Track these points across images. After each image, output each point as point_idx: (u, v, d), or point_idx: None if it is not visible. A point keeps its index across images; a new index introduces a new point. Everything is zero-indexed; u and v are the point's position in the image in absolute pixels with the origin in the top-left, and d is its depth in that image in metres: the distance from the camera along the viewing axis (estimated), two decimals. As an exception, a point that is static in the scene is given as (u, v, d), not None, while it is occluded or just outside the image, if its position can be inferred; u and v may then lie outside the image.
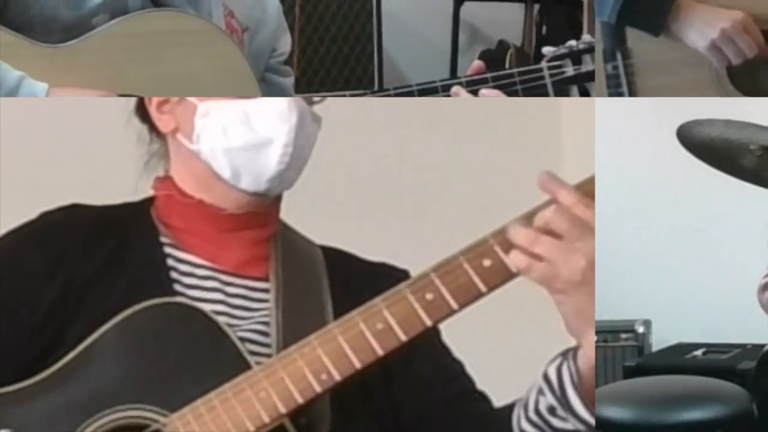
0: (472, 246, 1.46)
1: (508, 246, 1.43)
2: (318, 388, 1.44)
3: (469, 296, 1.44)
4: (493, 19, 4.87)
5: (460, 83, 2.11)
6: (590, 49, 2.12)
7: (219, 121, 1.58)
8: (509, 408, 1.56)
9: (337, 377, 1.44)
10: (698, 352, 3.40)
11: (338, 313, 1.53)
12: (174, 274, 1.59)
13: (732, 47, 2.17)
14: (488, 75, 2.16)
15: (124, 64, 1.93)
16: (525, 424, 1.52)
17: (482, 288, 1.45)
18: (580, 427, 1.47)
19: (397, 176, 2.83)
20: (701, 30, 2.18)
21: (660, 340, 3.65)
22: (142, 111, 1.65)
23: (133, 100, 1.67)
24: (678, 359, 3.38)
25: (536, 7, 4.75)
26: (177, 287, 1.58)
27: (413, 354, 1.52)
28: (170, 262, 1.60)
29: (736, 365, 3.14)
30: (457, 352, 1.68)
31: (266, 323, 1.58)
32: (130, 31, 1.94)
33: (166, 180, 1.65)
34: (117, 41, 1.93)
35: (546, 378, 1.48)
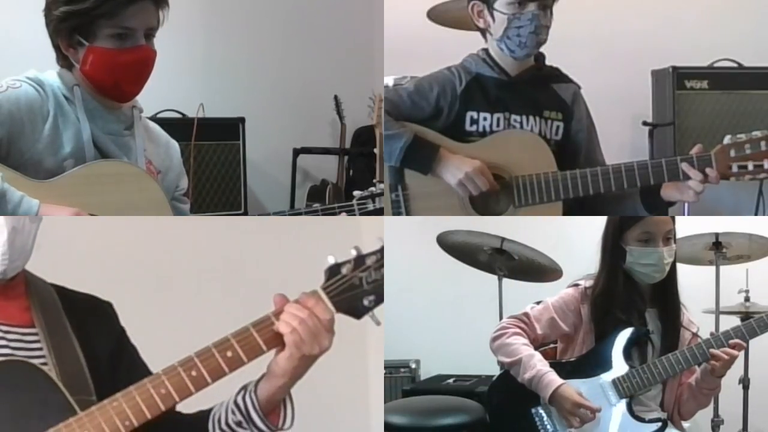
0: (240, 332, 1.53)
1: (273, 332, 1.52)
2: (123, 431, 1.44)
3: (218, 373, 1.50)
4: (318, 165, 4.86)
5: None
6: (381, 194, 2.17)
7: None
8: (200, 415, 1.60)
9: (135, 423, 1.45)
10: (450, 380, 3.39)
11: (80, 342, 1.54)
12: None
13: (471, 184, 2.17)
14: (318, 208, 2.16)
15: (85, 194, 1.92)
16: None
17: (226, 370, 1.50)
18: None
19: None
20: (453, 172, 2.18)
21: (425, 372, 3.64)
22: None
23: None
24: (437, 385, 3.36)
25: (346, 157, 4.78)
26: None
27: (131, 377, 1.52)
28: None
29: (475, 389, 3.14)
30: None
31: (44, 362, 1.51)
32: (89, 173, 1.96)
33: None
34: (80, 180, 1.94)
35: (236, 404, 1.56)
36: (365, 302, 1.55)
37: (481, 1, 2.26)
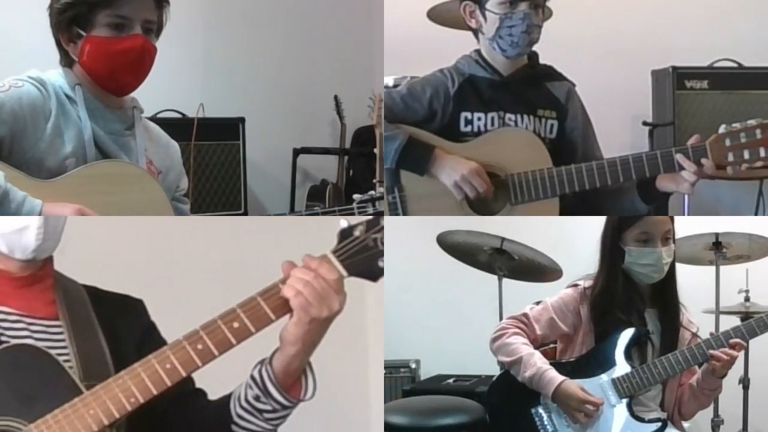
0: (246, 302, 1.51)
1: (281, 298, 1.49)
2: (128, 407, 1.45)
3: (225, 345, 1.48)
4: (318, 165, 4.87)
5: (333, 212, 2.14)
6: (381, 197, 2.17)
7: None
8: (225, 399, 1.59)
9: (141, 400, 1.46)
10: (450, 380, 3.38)
11: (106, 337, 1.57)
12: None
13: (467, 186, 2.17)
14: (319, 210, 2.17)
15: (87, 195, 1.92)
16: (239, 410, 1.56)
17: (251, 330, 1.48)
18: (276, 406, 1.54)
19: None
20: (448, 173, 2.19)
21: (425, 372, 3.63)
22: None
23: None
24: (437, 385, 3.36)
25: (346, 158, 4.78)
26: None
27: None
28: None
29: (475, 389, 3.13)
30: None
31: (66, 352, 1.54)
32: (91, 173, 1.96)
33: None
34: (82, 180, 1.94)
35: (252, 378, 1.54)
36: (380, 264, 1.51)
37: (472, 2, 2.27)
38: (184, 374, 1.47)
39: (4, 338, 1.53)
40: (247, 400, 1.55)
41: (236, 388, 1.58)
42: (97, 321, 1.60)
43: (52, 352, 1.51)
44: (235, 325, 1.48)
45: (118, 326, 1.61)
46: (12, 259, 1.58)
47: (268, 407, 1.54)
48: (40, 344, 1.52)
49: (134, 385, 1.45)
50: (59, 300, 1.60)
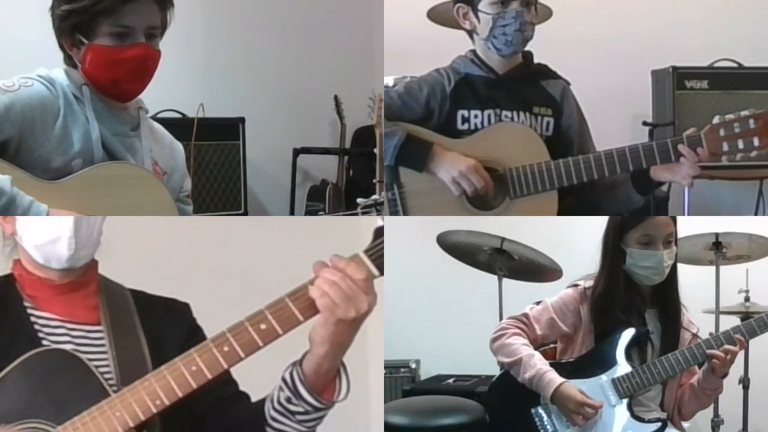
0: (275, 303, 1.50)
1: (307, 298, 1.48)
2: (154, 409, 1.46)
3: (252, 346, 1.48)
4: (318, 165, 4.86)
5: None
6: (383, 202, 2.18)
7: (26, 230, 1.61)
8: (261, 401, 1.59)
9: (167, 402, 1.46)
10: (450, 381, 3.39)
11: (149, 342, 1.58)
12: (36, 327, 1.57)
13: (466, 182, 2.19)
14: (322, 214, 2.16)
15: (93, 196, 1.92)
16: (272, 412, 1.56)
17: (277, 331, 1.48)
18: (308, 407, 1.53)
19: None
20: (447, 169, 2.20)
21: (425, 372, 3.64)
22: None
23: None
24: (437, 385, 3.36)
25: (346, 158, 4.78)
26: (40, 335, 1.55)
27: None
28: (33, 318, 1.58)
29: (475, 389, 3.14)
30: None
31: (105, 357, 1.55)
32: (97, 175, 1.95)
33: (18, 263, 1.64)
34: (88, 181, 1.93)
35: (284, 380, 1.54)
36: None
37: (465, 3, 2.30)
38: (209, 376, 1.47)
39: (45, 343, 1.55)
40: (279, 402, 1.55)
41: (272, 391, 1.58)
42: (140, 325, 1.61)
43: (91, 356, 1.52)
44: (262, 326, 1.47)
45: (162, 330, 1.61)
46: (50, 268, 1.61)
47: (300, 409, 1.54)
48: (80, 349, 1.54)
49: (160, 387, 1.46)
50: (102, 305, 1.61)
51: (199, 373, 1.47)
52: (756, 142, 2.07)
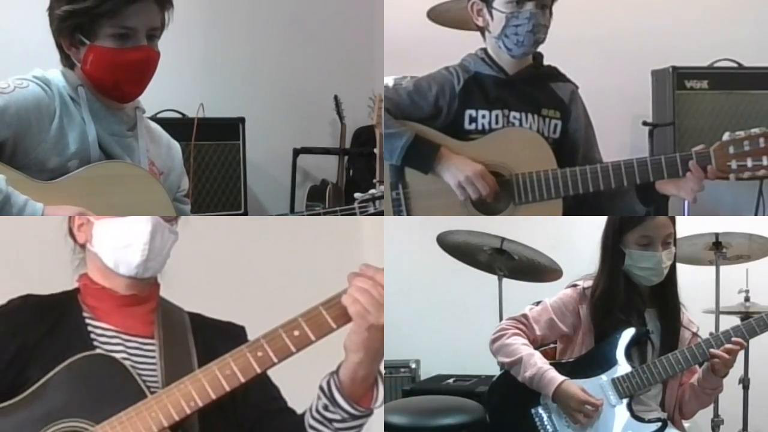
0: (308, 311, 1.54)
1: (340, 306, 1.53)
2: (188, 411, 1.50)
3: (284, 352, 1.53)
4: (318, 165, 4.87)
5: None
6: (382, 196, 2.18)
7: (103, 232, 1.64)
8: (303, 414, 1.64)
9: (200, 404, 1.51)
10: (450, 381, 3.39)
11: (200, 359, 1.62)
12: (93, 336, 1.61)
13: (471, 187, 2.19)
14: (320, 211, 2.18)
15: (89, 196, 1.92)
16: (311, 420, 1.60)
17: (310, 335, 1.52)
18: (345, 415, 1.57)
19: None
20: (453, 173, 2.20)
21: (425, 372, 3.64)
22: (70, 232, 1.70)
23: (65, 224, 1.71)
24: (437, 385, 3.36)
25: (346, 157, 4.78)
26: (95, 344, 1.60)
27: (250, 384, 1.55)
28: (90, 327, 1.62)
29: (475, 389, 3.13)
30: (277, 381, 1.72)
31: (155, 368, 1.60)
32: (93, 174, 1.96)
33: (84, 275, 1.67)
34: (85, 181, 1.94)
35: (321, 388, 1.58)
36: None
37: (480, 0, 2.28)
38: (242, 380, 1.52)
39: (99, 351, 1.59)
40: (317, 410, 1.59)
41: (312, 401, 1.63)
42: (194, 344, 1.66)
43: (142, 367, 1.58)
44: (296, 333, 1.52)
45: (216, 349, 1.63)
46: (118, 275, 1.64)
47: (337, 416, 1.57)
48: (132, 359, 1.59)
49: (194, 389, 1.51)
50: (158, 321, 1.66)
51: (233, 376, 1.51)
52: (765, 161, 2.05)
